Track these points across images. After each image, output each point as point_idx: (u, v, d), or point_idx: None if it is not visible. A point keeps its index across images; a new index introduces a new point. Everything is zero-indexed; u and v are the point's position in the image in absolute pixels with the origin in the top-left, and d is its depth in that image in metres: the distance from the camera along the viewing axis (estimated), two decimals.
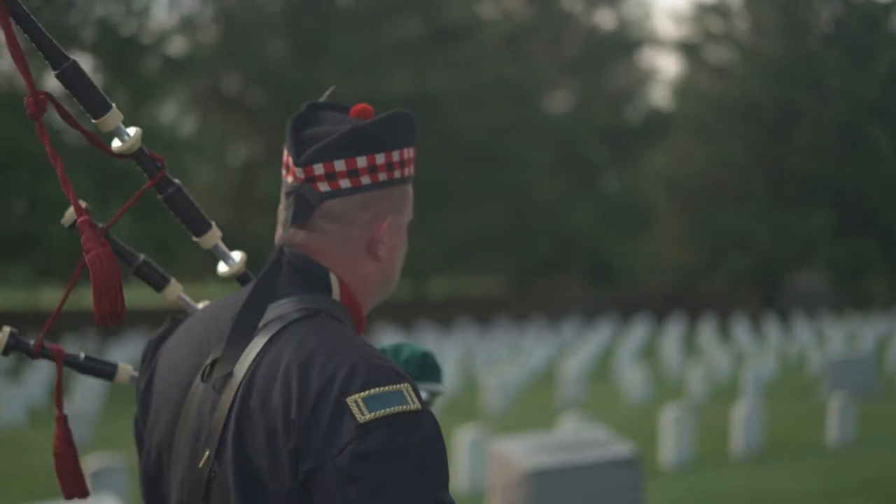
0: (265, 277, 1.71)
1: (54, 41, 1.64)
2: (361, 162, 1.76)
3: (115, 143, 1.77)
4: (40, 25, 1.63)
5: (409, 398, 1.58)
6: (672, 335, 26.51)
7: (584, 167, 35.75)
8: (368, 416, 1.54)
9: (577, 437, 6.56)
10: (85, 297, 35.61)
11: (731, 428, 12.05)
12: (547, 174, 34.84)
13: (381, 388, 1.57)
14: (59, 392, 1.95)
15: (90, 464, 8.41)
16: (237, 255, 2.00)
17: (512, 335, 28.75)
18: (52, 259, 24.48)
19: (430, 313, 32.66)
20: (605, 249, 36.06)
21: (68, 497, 1.96)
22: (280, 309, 1.72)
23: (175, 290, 2.11)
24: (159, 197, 1.85)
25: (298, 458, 1.57)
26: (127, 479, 8.47)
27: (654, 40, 41.28)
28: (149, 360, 1.93)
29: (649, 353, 25.64)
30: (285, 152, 1.80)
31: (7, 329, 1.95)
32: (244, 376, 1.66)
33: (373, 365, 1.61)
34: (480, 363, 21.78)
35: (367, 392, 1.56)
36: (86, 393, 16.10)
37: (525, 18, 36.70)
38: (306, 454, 1.56)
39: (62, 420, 1.95)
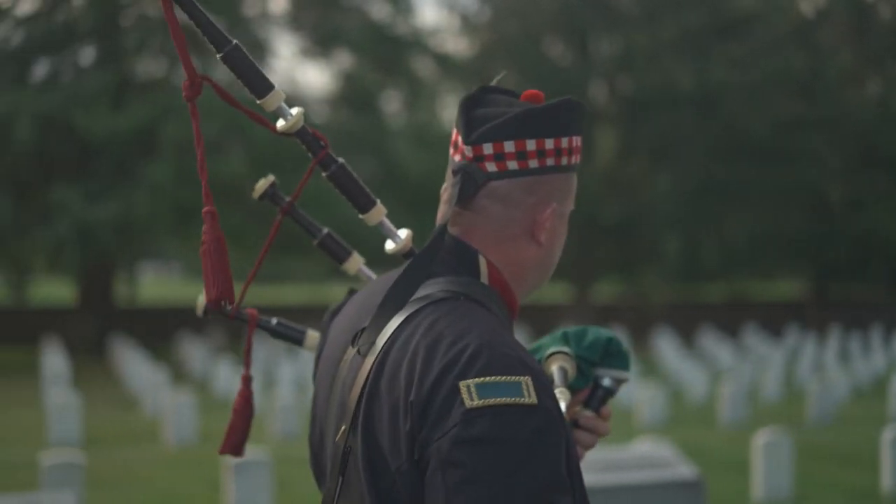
0: (422, 255, 1.74)
1: (217, 26, 1.73)
2: (531, 145, 1.77)
3: (280, 123, 1.85)
4: (204, 11, 1.73)
5: (525, 391, 1.56)
6: None
7: (890, 164, 33.03)
8: (477, 402, 1.54)
9: (641, 455, 5.92)
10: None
11: None
12: (845, 172, 32.46)
13: (498, 378, 1.56)
14: (247, 353, 2.12)
15: (230, 458, 8.40)
16: (403, 233, 2.00)
17: (798, 343, 26.95)
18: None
19: (712, 317, 31.27)
20: None
21: (223, 452, 2.12)
22: (428, 288, 1.75)
23: (357, 262, 2.20)
24: (324, 174, 1.92)
25: (414, 440, 1.59)
26: (268, 472, 8.42)
27: None
28: (324, 332, 2.01)
29: None
30: (454, 131, 1.82)
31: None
32: (379, 352, 1.69)
33: (496, 353, 1.60)
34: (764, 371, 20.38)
35: (481, 378, 1.56)
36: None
37: (820, 5, 34.44)
38: (419, 435, 1.58)
39: (247, 380, 2.12)
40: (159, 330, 25.91)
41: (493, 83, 1.89)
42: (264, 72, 1.80)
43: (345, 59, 26.61)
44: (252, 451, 8.76)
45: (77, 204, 20.19)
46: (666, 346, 24.09)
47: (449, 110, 32.18)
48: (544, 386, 1.60)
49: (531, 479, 1.53)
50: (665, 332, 27.35)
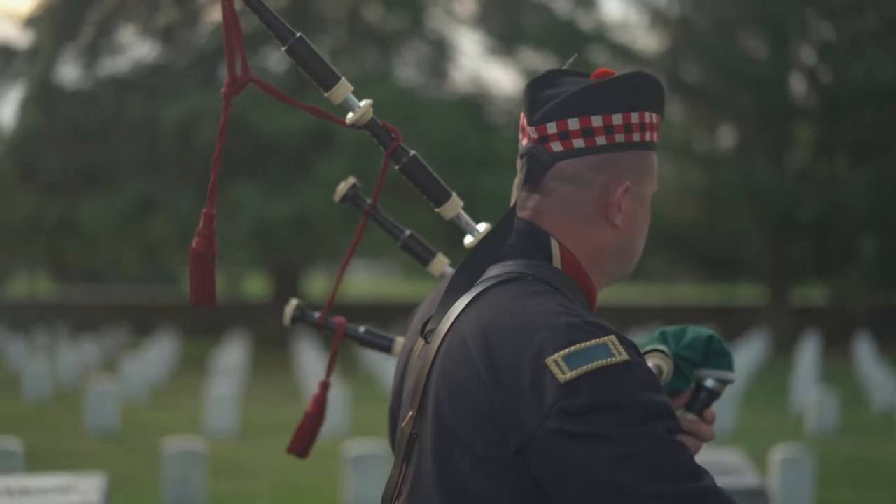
0: (490, 238, 1.70)
1: (280, 18, 1.71)
2: (597, 121, 1.70)
3: (349, 116, 1.80)
4: (266, 5, 1.69)
5: (614, 350, 1.52)
6: None
7: None
8: (570, 374, 1.49)
9: (710, 461, 5.49)
10: None
11: None
12: None
13: (582, 345, 1.52)
14: (332, 360, 2.11)
15: (350, 450, 8.39)
16: (482, 227, 1.93)
17: None
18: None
19: None
20: None
21: (290, 451, 2.10)
22: (495, 271, 1.70)
23: (441, 264, 2.14)
24: (396, 167, 1.86)
25: (504, 428, 1.53)
26: (387, 466, 8.34)
27: None
28: (408, 331, 1.99)
29: None
30: (522, 115, 1.77)
31: (294, 301, 2.13)
32: (444, 336, 1.65)
33: (570, 323, 1.55)
34: None
35: (566, 350, 1.51)
36: None
37: None
38: (512, 424, 1.53)
39: (324, 386, 2.11)
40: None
41: (566, 67, 1.81)
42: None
43: (529, 56, 26.45)
44: (370, 444, 8.71)
45: (255, 202, 20.79)
46: (863, 352, 22.84)
47: None
48: (630, 343, 1.56)
49: (650, 429, 1.50)
50: (865, 337, 25.98)
